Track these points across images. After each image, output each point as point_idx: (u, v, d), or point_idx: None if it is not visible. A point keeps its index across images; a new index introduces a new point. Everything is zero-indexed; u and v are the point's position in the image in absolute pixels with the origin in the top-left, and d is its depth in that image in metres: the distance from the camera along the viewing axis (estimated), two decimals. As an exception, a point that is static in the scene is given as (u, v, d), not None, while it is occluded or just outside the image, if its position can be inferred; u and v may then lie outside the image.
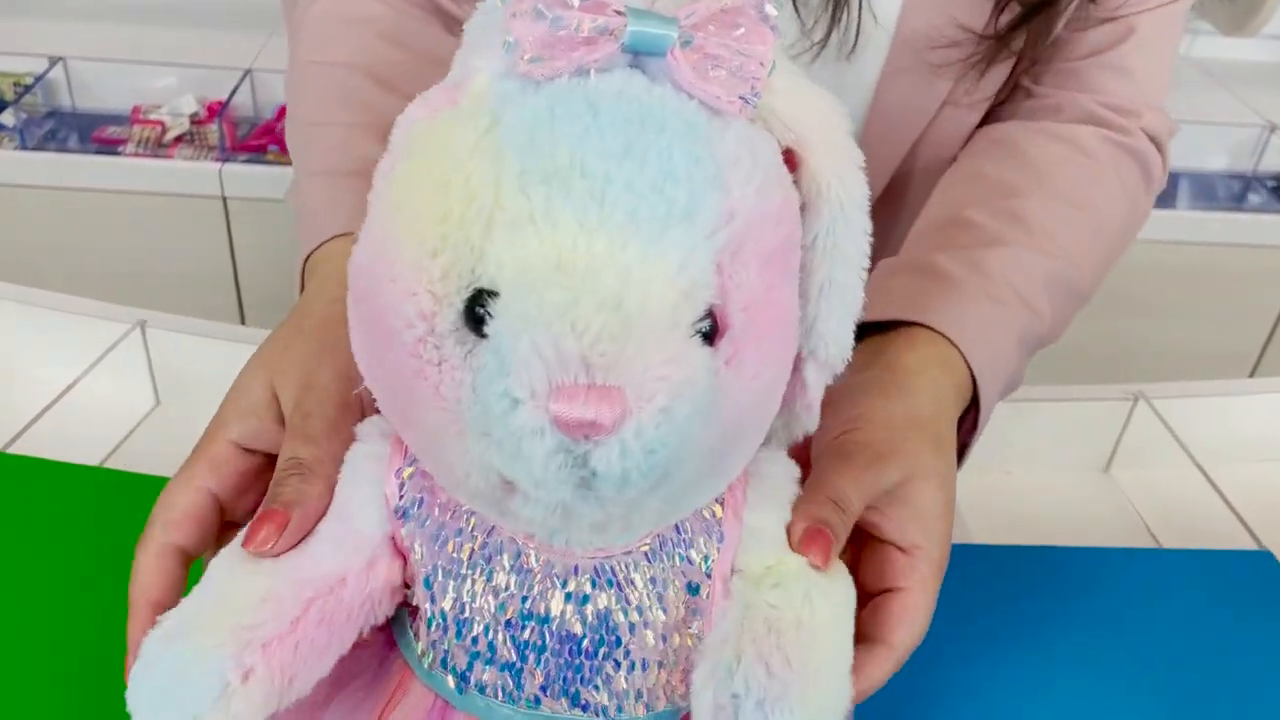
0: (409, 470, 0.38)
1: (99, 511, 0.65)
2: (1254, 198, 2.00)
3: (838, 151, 0.36)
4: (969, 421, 0.59)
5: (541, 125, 0.31)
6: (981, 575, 0.65)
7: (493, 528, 0.37)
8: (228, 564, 0.38)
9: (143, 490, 0.66)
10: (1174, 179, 1.94)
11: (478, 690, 0.38)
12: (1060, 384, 0.93)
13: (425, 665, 0.38)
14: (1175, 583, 0.65)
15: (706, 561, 0.39)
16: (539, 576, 0.37)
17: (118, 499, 0.67)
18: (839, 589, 0.41)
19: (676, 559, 0.38)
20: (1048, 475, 0.93)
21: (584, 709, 0.38)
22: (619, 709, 0.38)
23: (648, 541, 0.38)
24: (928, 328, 0.55)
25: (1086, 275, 0.64)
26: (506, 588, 0.37)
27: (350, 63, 0.62)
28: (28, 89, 1.83)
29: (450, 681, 0.38)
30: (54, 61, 1.85)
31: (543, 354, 0.29)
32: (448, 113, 0.33)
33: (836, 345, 0.38)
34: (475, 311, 0.31)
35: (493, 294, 0.31)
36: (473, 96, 0.33)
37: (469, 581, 0.37)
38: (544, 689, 0.38)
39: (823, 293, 0.37)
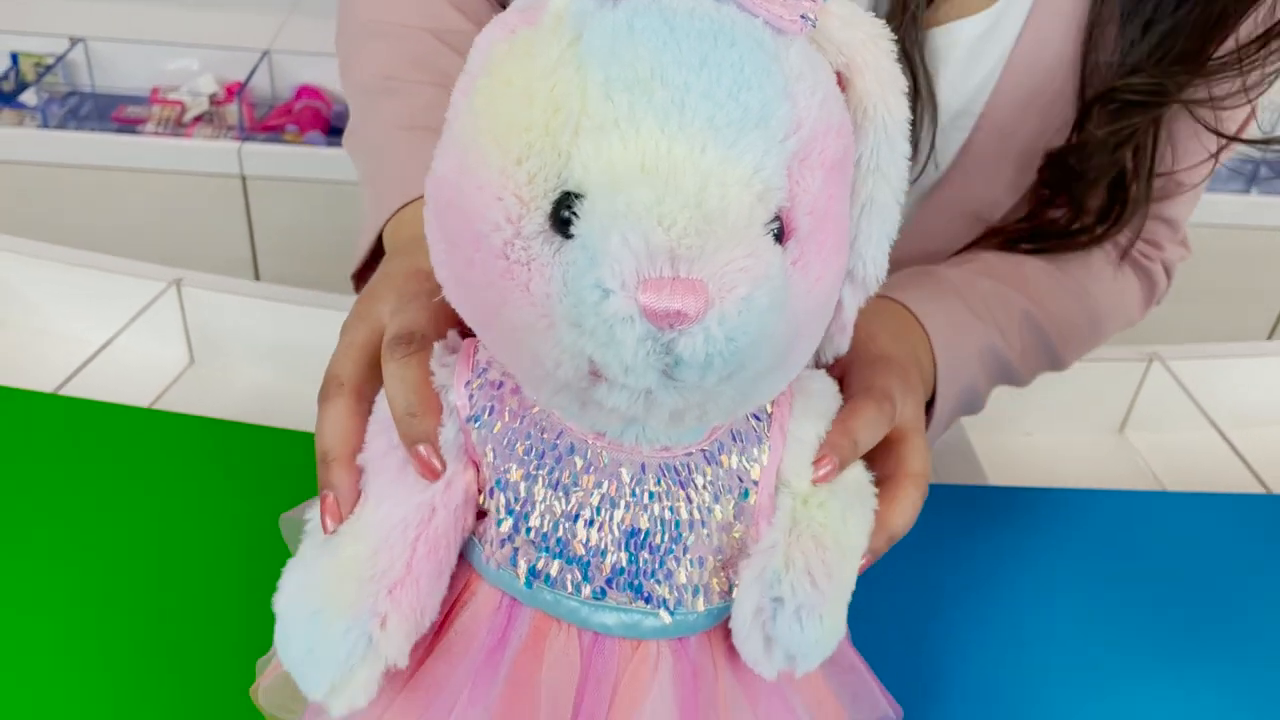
0: (477, 382, 0.40)
1: (147, 450, 0.67)
2: (1265, 181, 2.01)
3: (884, 75, 0.37)
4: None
5: (622, 38, 0.33)
6: (995, 516, 0.67)
7: (561, 430, 0.39)
8: (341, 526, 0.40)
9: (190, 431, 0.68)
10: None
11: (545, 585, 0.39)
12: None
13: (493, 566, 0.40)
14: (1187, 526, 0.66)
15: (756, 468, 0.41)
16: (607, 474, 0.39)
17: (164, 440, 0.68)
18: (867, 514, 0.43)
19: (731, 463, 0.40)
20: (1065, 437, 0.95)
21: (647, 600, 0.40)
22: (679, 602, 0.40)
23: (706, 444, 0.40)
24: (900, 305, 0.58)
25: (1064, 343, 0.68)
26: (575, 485, 0.39)
27: (417, 25, 0.65)
28: (49, 69, 1.85)
29: (519, 579, 0.40)
30: (75, 42, 1.87)
31: (632, 247, 0.31)
32: (526, 31, 0.35)
33: (874, 265, 0.40)
34: (561, 214, 0.33)
35: (579, 196, 0.33)
36: (552, 15, 0.34)
37: (539, 481, 0.39)
38: (609, 582, 0.39)
39: (864, 212, 0.39)
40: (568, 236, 0.33)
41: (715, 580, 0.41)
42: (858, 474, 0.43)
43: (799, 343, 0.36)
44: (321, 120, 1.84)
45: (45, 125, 1.79)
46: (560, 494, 0.39)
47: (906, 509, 0.45)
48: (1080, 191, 0.65)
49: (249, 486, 0.64)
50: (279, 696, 0.46)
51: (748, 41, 0.34)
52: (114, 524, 0.61)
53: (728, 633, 0.41)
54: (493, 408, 0.40)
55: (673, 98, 0.32)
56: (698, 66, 0.33)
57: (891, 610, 0.58)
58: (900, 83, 0.38)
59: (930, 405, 0.58)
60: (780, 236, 0.35)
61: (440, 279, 0.38)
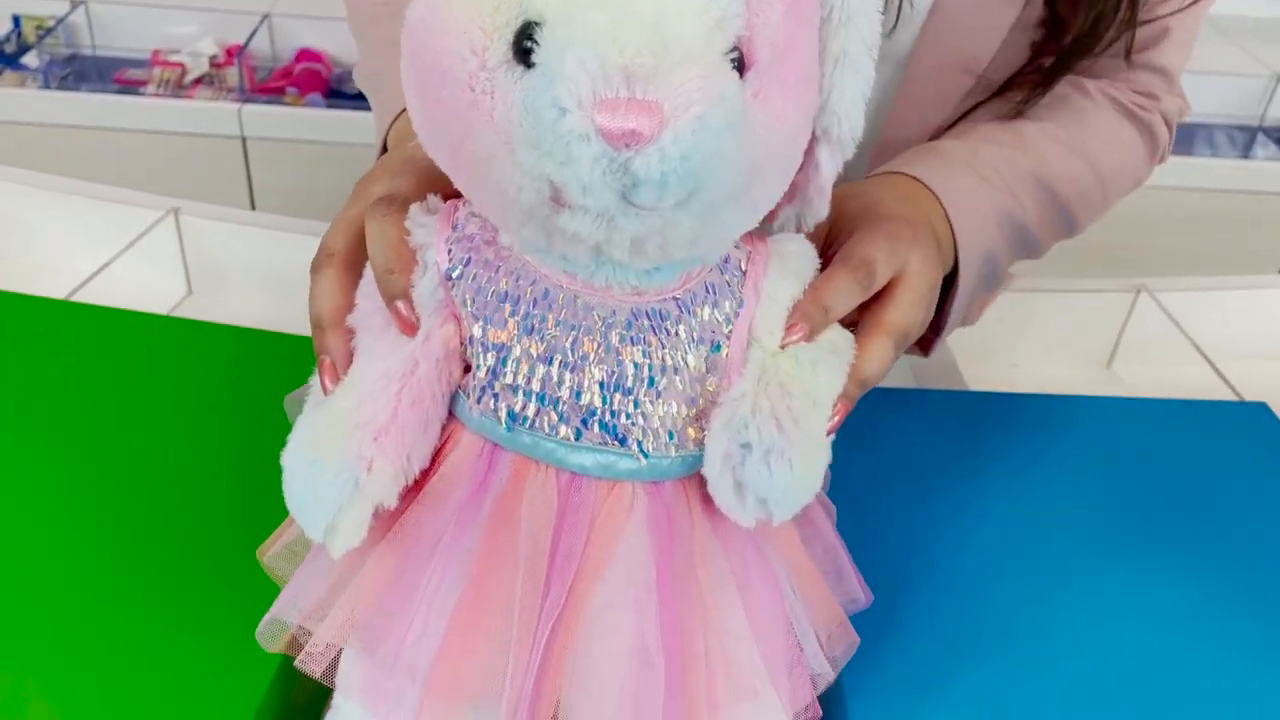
0: (454, 237, 0.41)
1: (156, 356, 0.68)
2: (1260, 148, 2.02)
3: None
4: (950, 296, 0.60)
5: None
6: (974, 420, 0.67)
7: (536, 277, 0.40)
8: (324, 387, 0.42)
9: (195, 336, 0.69)
10: (1182, 129, 1.96)
11: (525, 428, 0.41)
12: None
13: (475, 414, 0.42)
14: (1169, 432, 0.67)
15: (728, 323, 0.42)
16: (581, 319, 0.40)
17: (173, 345, 0.69)
18: (841, 368, 0.43)
19: (704, 315, 0.41)
20: (1052, 370, 0.95)
21: (621, 442, 0.41)
22: (652, 446, 0.41)
23: (678, 293, 0.41)
24: (909, 178, 0.58)
25: (1074, 200, 0.67)
26: (551, 331, 0.40)
27: None
28: (50, 31, 1.86)
29: (500, 423, 0.41)
30: (76, 4, 1.88)
31: (587, 67, 0.32)
32: None
33: (849, 123, 0.41)
34: (523, 45, 0.34)
35: (538, 25, 0.34)
36: None
37: (515, 326, 0.40)
38: (585, 423, 0.41)
39: (837, 66, 0.39)
40: (529, 66, 0.34)
41: (690, 429, 0.42)
42: (835, 333, 0.44)
43: (760, 178, 0.37)
44: (321, 82, 1.85)
45: (47, 87, 1.80)
46: (536, 339, 0.40)
47: (875, 356, 0.46)
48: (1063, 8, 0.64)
49: (256, 386, 0.65)
50: (282, 560, 0.47)
51: None
52: (123, 422, 0.62)
53: (704, 483, 0.42)
54: (469, 259, 0.41)
55: None
56: None
57: (871, 506, 0.59)
58: None
59: (952, 278, 0.58)
60: (741, 69, 0.35)
61: (416, 128, 0.39)
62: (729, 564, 0.44)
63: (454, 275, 0.41)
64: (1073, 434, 0.67)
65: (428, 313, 0.41)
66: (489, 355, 0.41)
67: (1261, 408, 0.70)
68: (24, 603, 0.51)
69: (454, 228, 0.41)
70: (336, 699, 0.45)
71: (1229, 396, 0.85)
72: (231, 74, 1.84)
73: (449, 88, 0.36)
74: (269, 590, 0.46)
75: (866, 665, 0.49)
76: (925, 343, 0.60)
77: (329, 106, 1.81)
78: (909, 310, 0.48)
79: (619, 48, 0.32)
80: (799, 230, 0.45)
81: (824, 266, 0.45)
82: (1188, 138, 2.00)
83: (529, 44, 0.34)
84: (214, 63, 1.86)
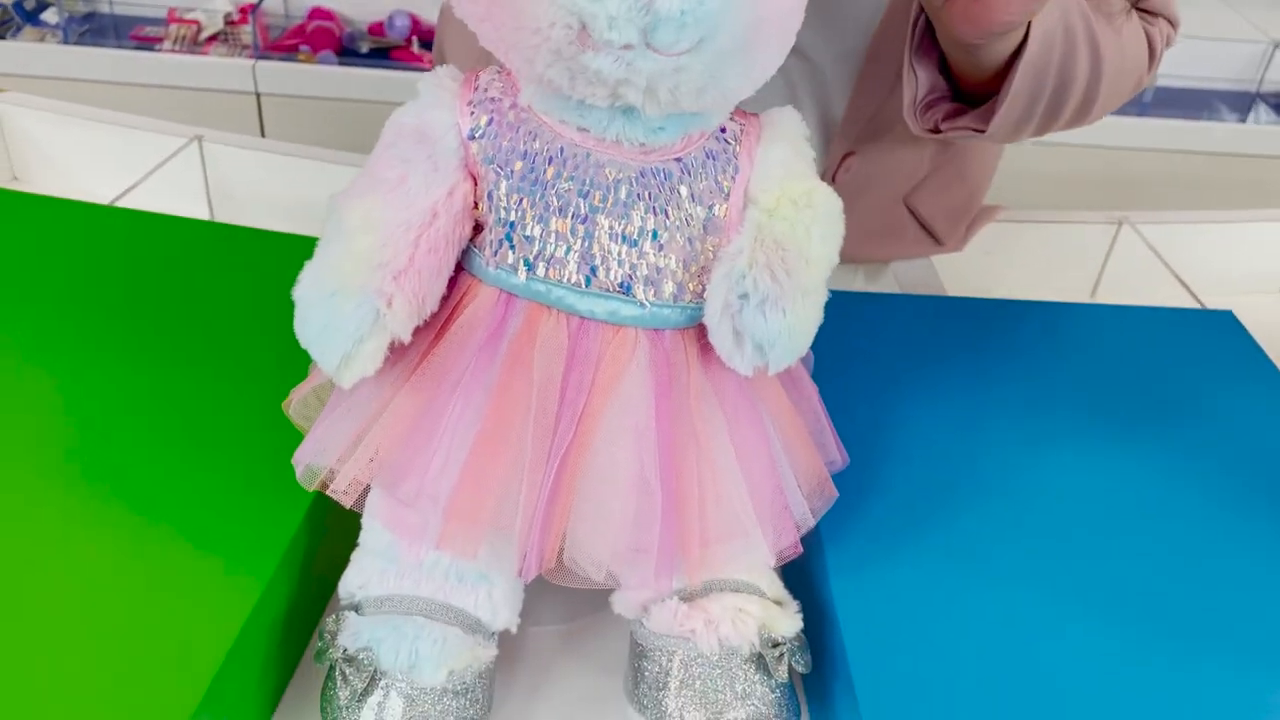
0: (476, 99, 0.45)
1: (199, 256, 0.71)
2: (1258, 113, 2.05)
3: None
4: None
5: None
6: (955, 321, 0.71)
7: (552, 137, 0.44)
8: (342, 224, 0.45)
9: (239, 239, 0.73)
10: (1183, 94, 1.99)
11: (538, 275, 0.45)
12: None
13: (491, 268, 0.46)
14: (1137, 336, 0.71)
15: (726, 186, 0.46)
16: (592, 174, 0.44)
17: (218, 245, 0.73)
18: (834, 231, 0.47)
19: (703, 177, 0.45)
20: (1037, 299, 0.99)
21: (625, 290, 0.45)
22: (655, 294, 0.45)
23: (681, 154, 0.45)
24: None
25: (1107, 70, 0.69)
26: (566, 186, 0.44)
27: None
28: (68, -12, 1.89)
29: (516, 273, 0.45)
30: (93, -38, 1.92)
31: None
32: None
33: None
34: None
35: None
36: None
37: (532, 181, 0.44)
38: (594, 271, 0.45)
39: None
40: None
41: (690, 282, 0.46)
42: (828, 199, 0.47)
43: (760, 41, 0.41)
44: (333, 40, 1.88)
45: (66, 42, 1.84)
46: (551, 193, 0.44)
47: None
48: None
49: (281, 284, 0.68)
50: (305, 409, 0.51)
51: None
52: (153, 314, 0.66)
53: (701, 335, 0.47)
54: (491, 119, 0.45)
55: None
56: None
57: (853, 392, 0.63)
58: None
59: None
60: None
61: None
62: (722, 411, 0.48)
63: (476, 135, 0.45)
64: (1047, 333, 0.71)
65: (450, 167, 0.45)
66: (509, 209, 0.45)
67: (1227, 315, 0.73)
68: (58, 464, 0.54)
69: (476, 90, 0.46)
70: (364, 530, 0.50)
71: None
72: (246, 32, 1.88)
73: None
74: (296, 437, 0.50)
75: (842, 518, 0.53)
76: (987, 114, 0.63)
77: (341, 64, 1.85)
78: None
79: None
80: None
81: None
82: (1186, 101, 2.03)
83: None
84: (229, 20, 1.90)
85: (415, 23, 1.93)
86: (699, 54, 0.39)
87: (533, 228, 0.45)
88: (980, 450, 0.60)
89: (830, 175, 0.80)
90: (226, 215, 0.97)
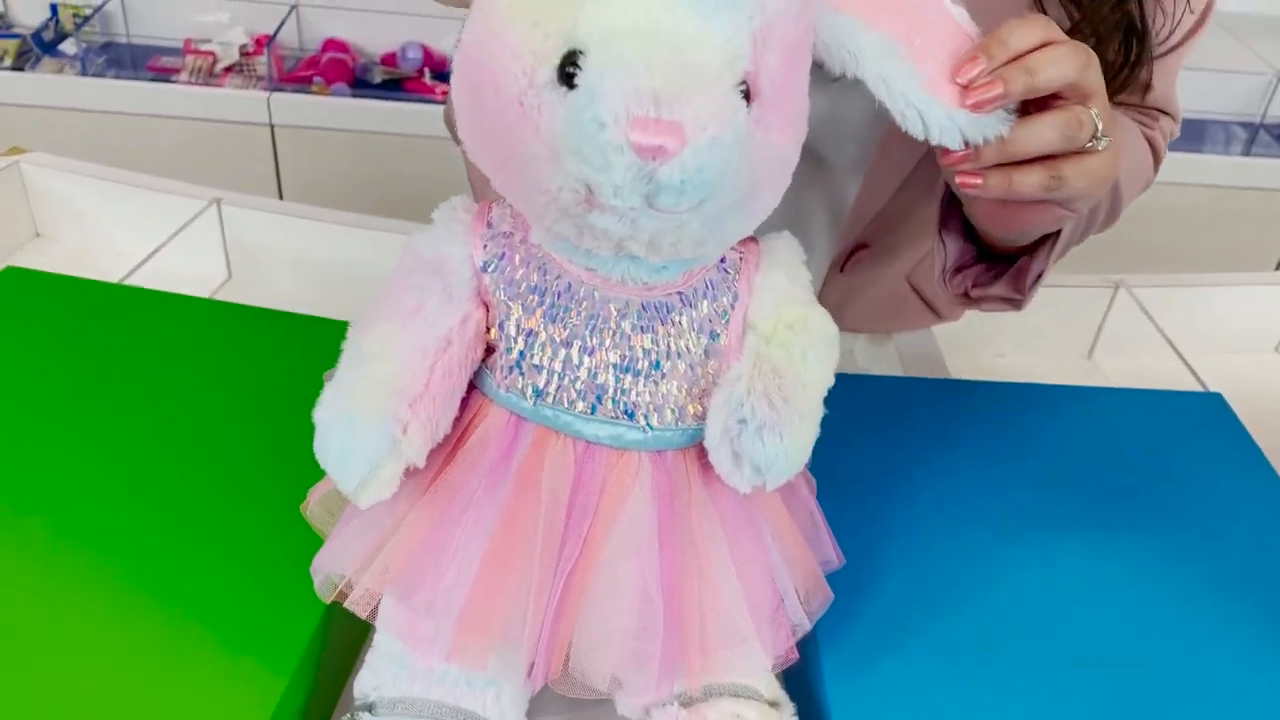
0: (490, 234, 0.48)
1: (205, 337, 0.74)
2: (1261, 144, 2.07)
3: None
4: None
5: None
6: (949, 406, 0.74)
7: (560, 273, 0.47)
8: (361, 350, 0.48)
9: (243, 319, 0.75)
10: (1184, 124, 2.00)
11: (546, 402, 0.47)
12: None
13: (502, 390, 0.48)
14: (1128, 419, 0.73)
15: (725, 314, 0.48)
16: (598, 309, 0.47)
17: (220, 327, 0.75)
18: (828, 356, 0.50)
19: (704, 308, 0.48)
20: (1036, 360, 1.02)
21: (630, 416, 0.48)
22: (657, 420, 0.48)
23: (682, 289, 0.47)
24: None
25: (1128, 189, 0.71)
26: (573, 319, 0.47)
27: None
28: (87, 20, 1.93)
29: (525, 399, 0.48)
30: (111, -6, 1.95)
31: (623, 89, 0.39)
32: None
33: None
34: (567, 70, 0.41)
35: (582, 53, 0.40)
36: None
37: (541, 315, 0.47)
38: (599, 399, 0.47)
39: None
40: (572, 87, 0.41)
41: (691, 405, 0.49)
42: (824, 324, 0.50)
43: (757, 193, 0.44)
44: (347, 72, 1.91)
45: (84, 73, 1.87)
46: (559, 326, 0.47)
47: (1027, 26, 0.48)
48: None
49: (294, 366, 0.71)
50: (325, 512, 0.54)
51: None
52: (169, 399, 0.68)
53: (702, 453, 0.49)
54: (504, 254, 0.48)
55: None
56: None
57: (848, 481, 0.65)
58: None
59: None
60: (747, 99, 0.42)
61: (463, 136, 0.45)
62: (721, 524, 0.50)
63: (488, 268, 0.48)
64: (1039, 419, 0.73)
65: (464, 297, 0.48)
66: (518, 339, 0.48)
67: (1216, 398, 0.76)
68: (80, 563, 0.56)
69: (489, 225, 0.48)
70: (378, 637, 0.52)
71: (1195, 387, 0.91)
72: (261, 63, 1.91)
73: (500, 101, 0.42)
74: (313, 541, 0.53)
75: (839, 619, 0.56)
76: (1019, 283, 0.64)
77: (354, 95, 1.88)
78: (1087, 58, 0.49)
79: (650, 74, 0.39)
80: None
81: None
82: (1189, 133, 2.04)
83: (572, 69, 0.41)
84: (244, 52, 1.93)
85: (427, 54, 1.96)
86: (699, 212, 0.41)
87: (540, 357, 0.47)
88: (977, 543, 0.63)
89: (840, 266, 0.82)
90: (244, 275, 0.99)
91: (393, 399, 0.46)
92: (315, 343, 0.74)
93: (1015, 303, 0.66)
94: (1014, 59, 0.48)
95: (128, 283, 0.91)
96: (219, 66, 1.91)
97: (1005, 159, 0.50)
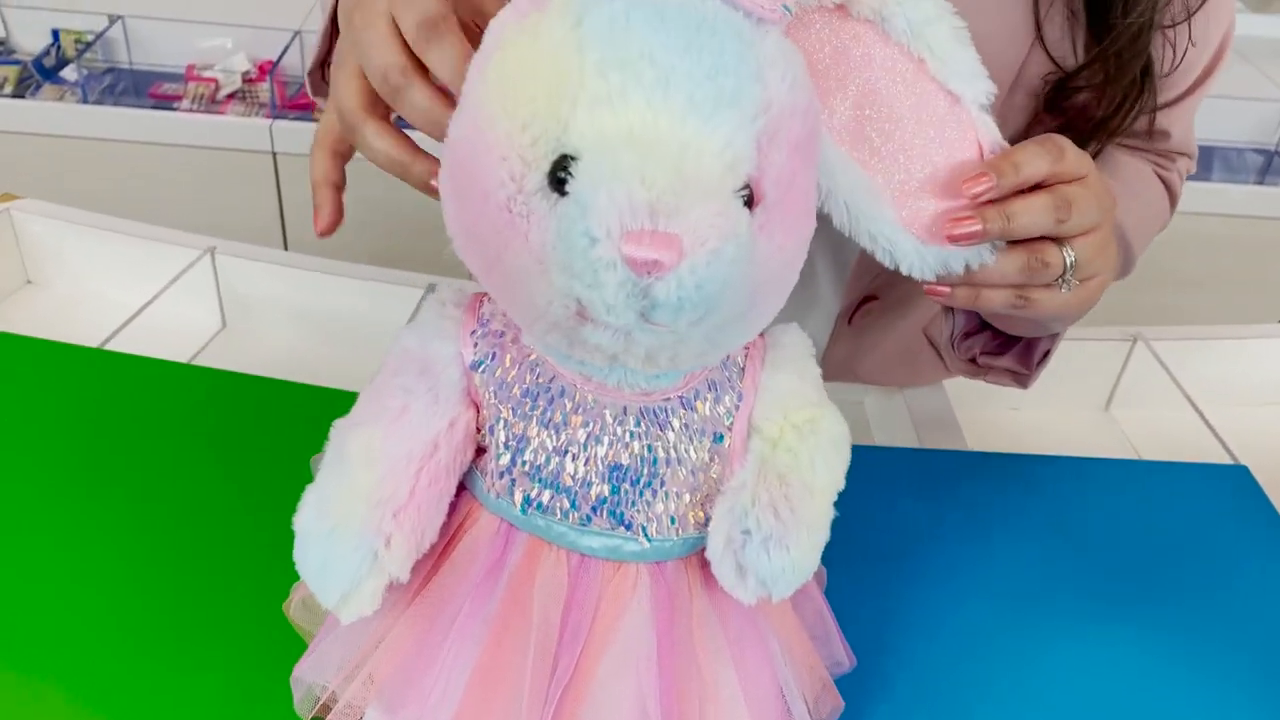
0: (480, 331, 0.45)
1: (187, 403, 0.72)
2: (1276, 171, 2.04)
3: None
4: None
5: (619, 23, 0.38)
6: (965, 480, 0.71)
7: (554, 375, 0.44)
8: (343, 454, 0.45)
9: (227, 386, 0.73)
10: (1199, 152, 1.98)
11: (538, 512, 0.45)
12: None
13: (493, 496, 0.46)
14: (1152, 491, 0.71)
15: (729, 416, 0.46)
16: (593, 415, 0.44)
17: (204, 393, 0.73)
18: (838, 462, 0.47)
19: (706, 410, 0.45)
20: (1051, 413, 0.99)
21: (627, 528, 0.45)
22: (656, 530, 0.45)
23: (683, 391, 0.45)
24: None
25: (1136, 249, 0.71)
26: (566, 425, 0.44)
27: None
28: (88, 46, 1.91)
29: (515, 506, 0.45)
30: (113, 20, 1.93)
31: (617, 202, 0.36)
32: (535, 15, 0.40)
33: (979, 78, 0.46)
34: (558, 175, 0.38)
35: (574, 159, 0.38)
36: (558, 1, 0.39)
37: (533, 420, 0.44)
38: (594, 510, 0.45)
39: (941, 45, 0.46)
40: (563, 194, 0.38)
41: (691, 513, 0.46)
42: (833, 425, 0.47)
43: (762, 299, 0.41)
44: (350, 99, 1.89)
45: (85, 100, 1.85)
46: (551, 431, 0.44)
47: (1033, 152, 0.48)
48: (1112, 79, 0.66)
49: (280, 438, 0.69)
50: (307, 612, 0.51)
51: (728, 31, 0.39)
52: (151, 471, 0.66)
53: (704, 561, 0.46)
54: (494, 354, 0.45)
55: (659, 77, 0.37)
56: (682, 51, 0.38)
57: (859, 568, 0.62)
58: None
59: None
60: (749, 203, 0.39)
61: (451, 232, 0.43)
62: (725, 635, 0.48)
63: (478, 367, 0.45)
64: (1059, 494, 0.70)
65: (452, 399, 0.45)
66: (509, 445, 0.45)
67: (1242, 471, 0.73)
68: (50, 647, 0.54)
69: (480, 322, 0.46)
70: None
71: (1214, 444, 0.89)
72: (263, 90, 1.89)
73: (488, 206, 0.40)
74: (293, 642, 0.50)
75: (849, 724, 0.53)
76: (1026, 359, 0.64)
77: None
78: (1091, 187, 0.50)
79: (645, 185, 0.36)
80: None
81: None
82: (1203, 161, 2.01)
83: (563, 174, 0.38)
84: (246, 78, 1.91)
85: (431, 81, 1.94)
86: (698, 326, 0.38)
87: (532, 465, 0.45)
88: (997, 634, 0.60)
89: (848, 318, 0.79)
90: (240, 326, 0.97)
91: (374, 510, 0.44)
92: (302, 411, 0.72)
93: (1021, 379, 0.64)
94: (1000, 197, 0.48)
95: (121, 334, 0.89)
96: (221, 93, 1.89)
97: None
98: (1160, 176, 0.76)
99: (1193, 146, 0.79)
